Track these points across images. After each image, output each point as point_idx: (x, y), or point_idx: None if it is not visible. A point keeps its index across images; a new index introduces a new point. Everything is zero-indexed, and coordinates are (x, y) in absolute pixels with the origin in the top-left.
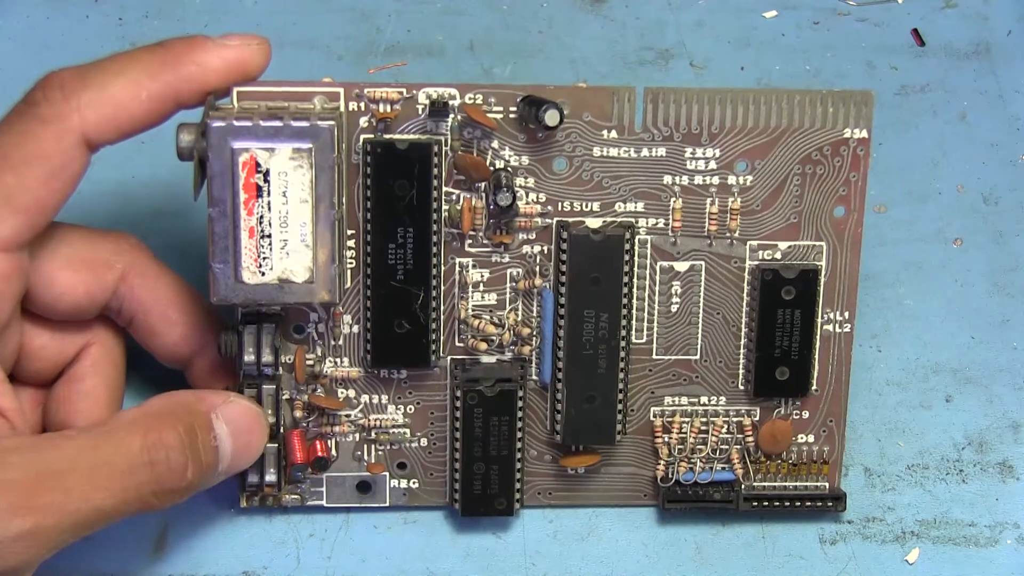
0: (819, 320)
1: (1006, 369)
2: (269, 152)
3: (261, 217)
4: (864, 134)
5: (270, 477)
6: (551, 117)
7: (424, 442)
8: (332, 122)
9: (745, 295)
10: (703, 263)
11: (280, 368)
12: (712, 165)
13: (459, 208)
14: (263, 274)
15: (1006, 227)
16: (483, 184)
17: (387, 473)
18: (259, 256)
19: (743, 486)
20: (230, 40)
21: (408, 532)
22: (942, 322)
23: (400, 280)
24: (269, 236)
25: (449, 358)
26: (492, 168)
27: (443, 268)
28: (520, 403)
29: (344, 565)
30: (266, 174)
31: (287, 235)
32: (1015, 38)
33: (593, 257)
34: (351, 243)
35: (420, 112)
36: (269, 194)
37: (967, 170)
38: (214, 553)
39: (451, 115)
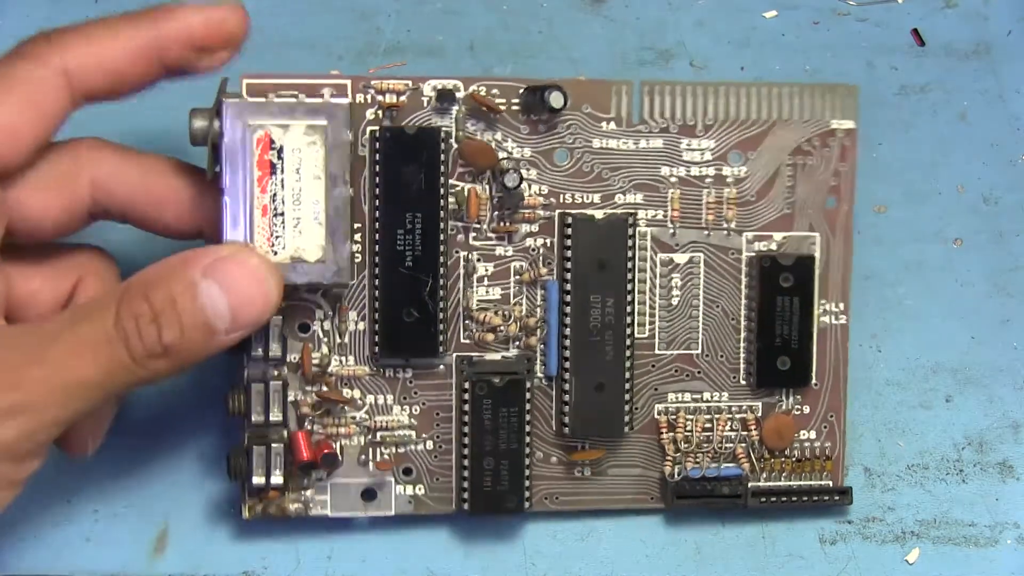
0: (816, 310)
1: (1006, 369)
2: (283, 128)
3: (275, 195)
4: (851, 125)
5: (276, 479)
6: (555, 99)
7: (430, 444)
8: (346, 100)
9: (743, 286)
10: (701, 255)
11: (286, 368)
12: (707, 156)
13: (466, 195)
14: (275, 253)
15: (1006, 227)
16: (488, 173)
17: (392, 479)
18: (272, 235)
19: (751, 482)
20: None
21: (408, 532)
22: (942, 322)
23: (409, 267)
24: (282, 215)
25: (455, 355)
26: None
27: (450, 260)
28: (528, 394)
29: (344, 565)
30: (280, 151)
31: (300, 213)
32: (1015, 38)
33: (597, 241)
34: (358, 236)
35: (426, 104)
36: (283, 171)
37: (967, 170)
38: (214, 553)
39: (456, 106)
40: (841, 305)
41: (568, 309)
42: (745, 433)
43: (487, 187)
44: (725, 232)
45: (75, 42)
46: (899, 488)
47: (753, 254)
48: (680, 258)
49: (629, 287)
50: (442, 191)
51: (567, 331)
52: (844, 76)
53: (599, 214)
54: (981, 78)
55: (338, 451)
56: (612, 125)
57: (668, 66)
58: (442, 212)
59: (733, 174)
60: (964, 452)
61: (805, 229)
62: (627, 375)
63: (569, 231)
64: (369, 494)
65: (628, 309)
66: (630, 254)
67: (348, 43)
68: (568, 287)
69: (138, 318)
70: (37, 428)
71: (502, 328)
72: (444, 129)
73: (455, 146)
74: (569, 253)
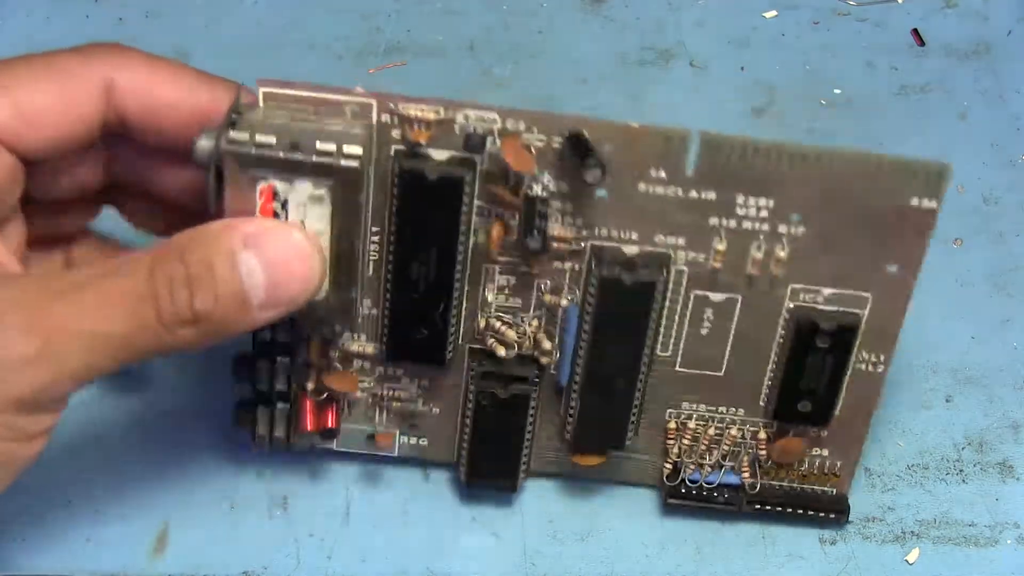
0: (851, 369)
1: (1006, 369)
2: (288, 184)
3: None
4: (933, 205)
5: (279, 432)
6: (592, 176)
7: (437, 410)
8: (356, 163)
9: (779, 334)
10: (740, 296)
11: (296, 345)
12: (763, 214)
13: (486, 239)
14: None
15: (1006, 227)
16: (515, 215)
17: (397, 431)
18: None
19: (748, 491)
20: None
21: (409, 531)
22: (942, 322)
23: (421, 292)
24: None
25: (467, 348)
26: (525, 195)
27: (467, 275)
28: (533, 405)
29: (344, 565)
30: (284, 203)
31: None
32: (1015, 38)
33: (622, 299)
34: (375, 239)
35: (457, 131)
36: (287, 219)
37: (967, 170)
38: (214, 553)
39: (485, 153)
40: (881, 356)
41: (583, 347)
42: (754, 443)
43: (514, 228)
44: (770, 282)
45: (134, 64)
46: (899, 488)
47: (797, 306)
48: (717, 297)
49: (649, 336)
50: (462, 237)
51: (580, 361)
52: (844, 76)
53: (634, 250)
54: (981, 78)
55: (346, 410)
56: (662, 173)
57: (668, 66)
58: (460, 251)
59: (790, 233)
60: (964, 452)
61: (858, 289)
62: (637, 397)
63: (594, 283)
64: (374, 438)
65: (646, 352)
66: (656, 307)
67: (348, 43)
68: (586, 330)
69: (172, 279)
70: (56, 379)
71: (514, 344)
72: (469, 171)
73: (485, 179)
74: (591, 303)
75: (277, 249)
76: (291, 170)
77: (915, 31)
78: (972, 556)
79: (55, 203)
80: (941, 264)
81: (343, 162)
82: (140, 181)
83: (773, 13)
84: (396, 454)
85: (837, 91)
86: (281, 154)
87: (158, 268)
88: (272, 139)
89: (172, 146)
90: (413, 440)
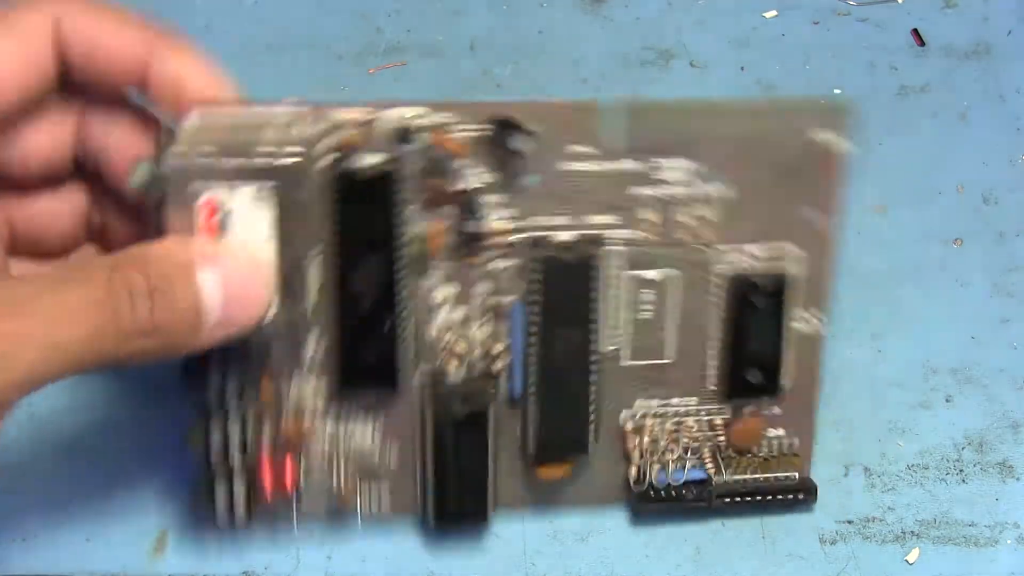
0: (793, 325)
1: (1006, 369)
2: (230, 191)
3: None
4: (840, 140)
5: (239, 507)
6: (520, 143)
7: (394, 459)
8: (298, 158)
9: (717, 301)
10: (675, 271)
11: (245, 398)
12: (684, 176)
13: (425, 233)
14: None
15: (1006, 227)
16: (450, 208)
17: (357, 493)
18: None
19: (715, 484)
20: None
21: (409, 532)
22: (942, 322)
23: (367, 308)
24: None
25: (417, 376)
26: (458, 188)
27: (410, 289)
28: (491, 420)
29: (344, 565)
30: (227, 215)
31: None
32: (1015, 38)
33: (564, 279)
34: (315, 266)
35: (384, 135)
36: (231, 235)
37: (967, 170)
38: (214, 553)
39: (415, 144)
40: (819, 313)
41: (533, 339)
42: (712, 434)
43: (450, 220)
44: (701, 250)
45: (79, 7)
46: (899, 488)
47: (729, 269)
48: (652, 275)
49: (596, 316)
50: (400, 232)
51: (532, 359)
52: (844, 76)
53: (568, 236)
54: (981, 78)
55: (301, 474)
56: (584, 148)
57: (668, 66)
58: (400, 251)
59: (712, 193)
60: (964, 452)
61: (786, 242)
62: (592, 395)
63: (535, 267)
64: (335, 509)
65: (593, 337)
66: (598, 287)
67: (348, 43)
68: (534, 320)
69: (133, 290)
70: (11, 388)
71: (464, 355)
72: (401, 167)
73: (419, 177)
74: (535, 288)
75: (235, 269)
76: (233, 176)
77: (915, 31)
78: (972, 556)
79: (29, 195)
80: (941, 264)
81: (284, 161)
82: (99, 153)
83: (773, 13)
84: (359, 524)
85: (837, 91)
86: (223, 160)
87: (117, 277)
88: (212, 148)
89: (110, 97)
90: (375, 500)
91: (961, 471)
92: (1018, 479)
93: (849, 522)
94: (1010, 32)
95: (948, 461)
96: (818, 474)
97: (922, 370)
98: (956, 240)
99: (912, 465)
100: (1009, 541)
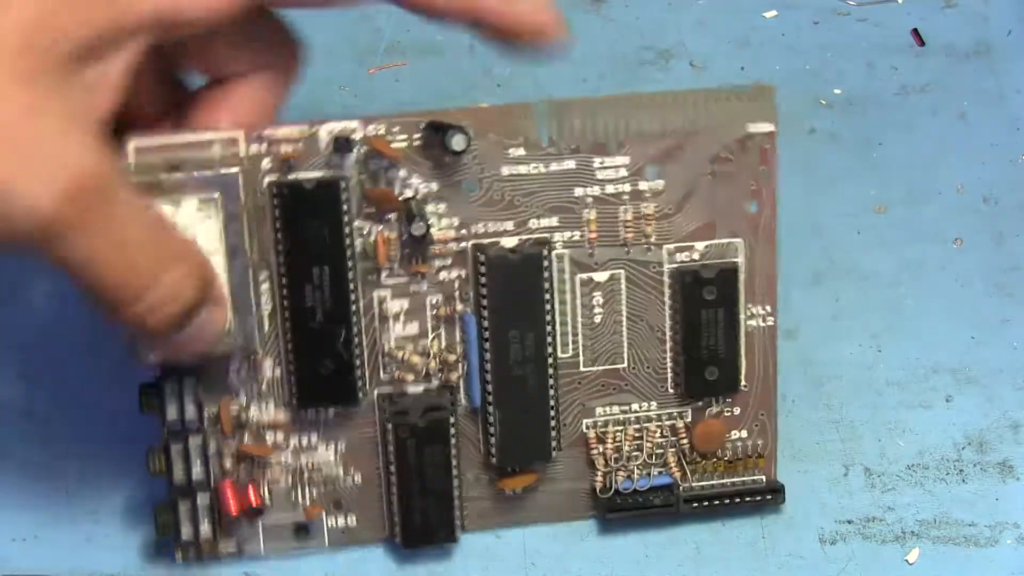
0: (743, 317)
1: (1006, 369)
2: (175, 206)
3: None
4: (769, 127)
5: (204, 530)
6: (457, 142)
7: (359, 478)
8: (236, 168)
9: (667, 299)
10: (622, 271)
11: (205, 421)
12: (622, 173)
13: (373, 242)
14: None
15: (1006, 227)
16: (395, 215)
17: (324, 511)
18: None
19: (681, 488)
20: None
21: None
22: (942, 322)
23: (320, 321)
24: None
25: (376, 392)
26: (400, 198)
27: (362, 303)
28: (452, 430)
29: (344, 565)
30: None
31: None
32: (1015, 38)
33: (512, 278)
34: (265, 286)
35: (323, 148)
36: None
37: (967, 170)
38: (214, 553)
39: (355, 149)
40: (768, 307)
41: (487, 344)
42: (675, 439)
43: (396, 227)
44: (645, 247)
45: None
46: (899, 488)
47: (675, 266)
48: (600, 276)
49: (548, 317)
50: (348, 240)
51: (488, 364)
52: (844, 76)
53: (513, 241)
54: (981, 78)
55: (266, 494)
56: (520, 151)
57: (668, 66)
58: (350, 262)
59: (650, 188)
60: (964, 452)
61: (727, 236)
62: (552, 401)
63: (483, 268)
64: (302, 529)
65: (549, 339)
66: (547, 285)
67: (348, 43)
68: (486, 323)
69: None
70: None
71: (420, 367)
72: (344, 177)
73: (359, 189)
74: (484, 290)
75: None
76: (176, 188)
77: (915, 31)
78: (972, 556)
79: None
80: (941, 264)
81: (224, 170)
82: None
83: (773, 13)
84: (327, 544)
85: (837, 91)
86: (164, 175)
87: None
88: (157, 165)
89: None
90: (341, 522)
91: (961, 471)
92: (1018, 479)
93: (849, 522)
94: (1010, 32)
95: (948, 461)
96: (818, 474)
97: (922, 370)
98: (956, 240)
99: (912, 465)
100: (1009, 541)
